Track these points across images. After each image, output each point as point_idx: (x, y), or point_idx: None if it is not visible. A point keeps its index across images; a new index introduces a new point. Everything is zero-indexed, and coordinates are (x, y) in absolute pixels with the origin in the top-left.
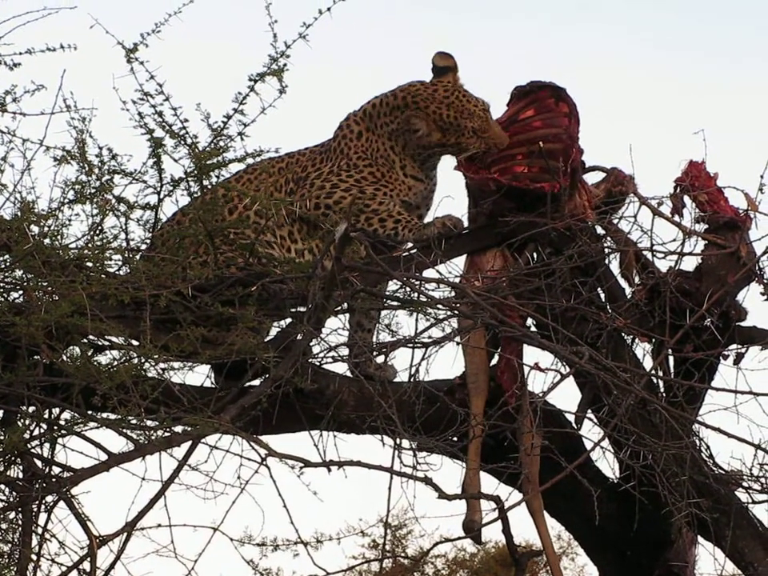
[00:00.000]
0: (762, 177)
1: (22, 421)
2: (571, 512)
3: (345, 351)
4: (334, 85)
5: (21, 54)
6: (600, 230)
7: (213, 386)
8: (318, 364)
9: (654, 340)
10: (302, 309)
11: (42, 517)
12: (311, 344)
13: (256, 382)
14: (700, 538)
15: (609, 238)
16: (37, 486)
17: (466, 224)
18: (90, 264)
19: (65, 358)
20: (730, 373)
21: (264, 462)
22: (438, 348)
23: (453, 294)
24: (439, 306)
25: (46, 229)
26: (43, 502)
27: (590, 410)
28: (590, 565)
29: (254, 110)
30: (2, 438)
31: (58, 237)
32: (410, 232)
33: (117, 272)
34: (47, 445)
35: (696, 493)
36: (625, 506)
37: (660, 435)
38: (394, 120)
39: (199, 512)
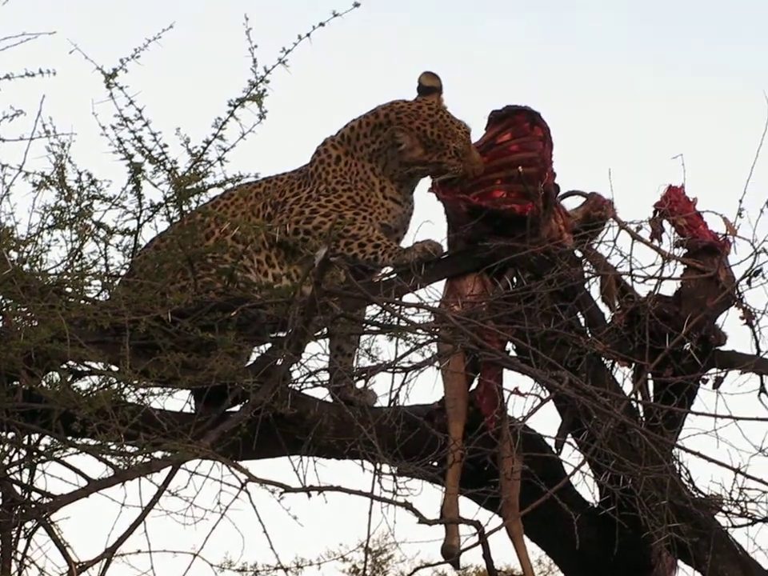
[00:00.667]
0: (740, 201)
1: (1, 447)
2: (551, 536)
3: (325, 376)
4: (314, 110)
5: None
6: (579, 255)
7: (192, 412)
8: (297, 389)
9: (633, 364)
10: (282, 334)
11: (22, 543)
12: (291, 369)
13: (236, 408)
14: (680, 562)
15: (588, 263)
16: (16, 512)
17: (445, 249)
18: (69, 289)
19: (44, 383)
20: (709, 397)
21: (244, 488)
22: (418, 373)
23: (432, 318)
24: (419, 331)
25: (25, 254)
26: (22, 527)
27: (569, 435)
28: None
29: (233, 135)
30: None
31: (38, 262)
32: (389, 257)
33: (96, 297)
34: (26, 471)
35: (676, 517)
36: (605, 530)
37: (640, 459)
38: (376, 139)
39: (179, 538)
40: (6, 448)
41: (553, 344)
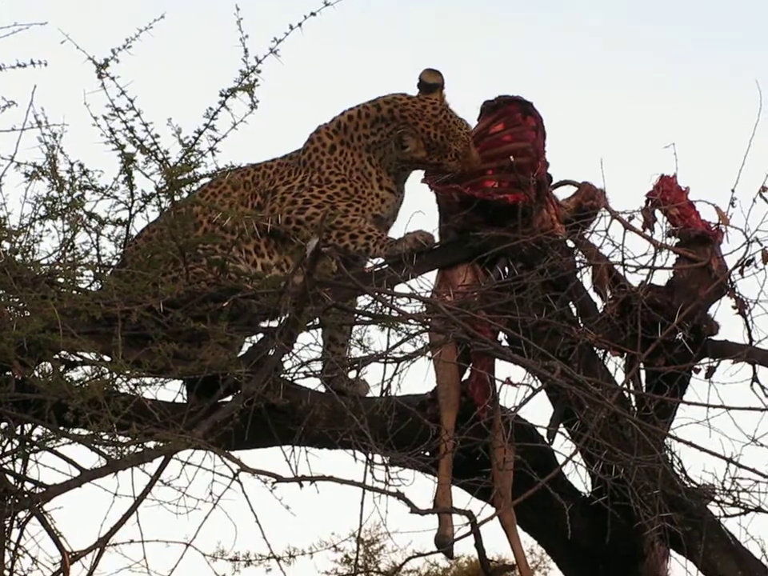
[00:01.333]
0: (733, 191)
1: None
2: (543, 526)
3: (317, 366)
4: (305, 99)
5: None
6: (571, 244)
7: (185, 402)
8: (290, 379)
9: (625, 354)
10: (274, 324)
11: (15, 533)
12: (283, 359)
13: (228, 398)
14: (672, 552)
15: (580, 252)
16: (9, 501)
17: (437, 239)
18: (61, 280)
19: (37, 373)
20: (701, 387)
21: (236, 478)
22: (410, 363)
23: (424, 308)
24: (411, 321)
25: (17, 245)
26: (15, 517)
27: (562, 425)
28: None
29: (225, 125)
30: None
31: (29, 253)
32: (381, 248)
33: (88, 288)
34: (19, 461)
35: (668, 507)
36: (597, 520)
37: (632, 449)
38: (377, 132)
39: (172, 527)
40: None
41: (545, 334)
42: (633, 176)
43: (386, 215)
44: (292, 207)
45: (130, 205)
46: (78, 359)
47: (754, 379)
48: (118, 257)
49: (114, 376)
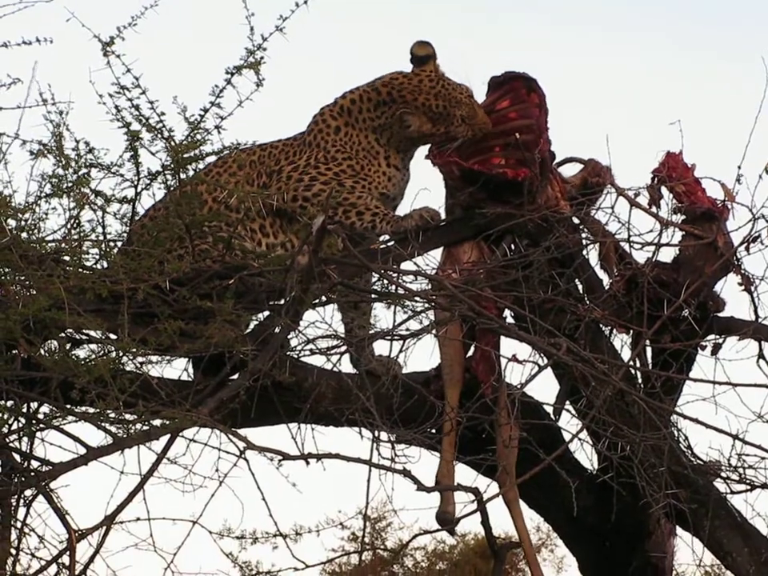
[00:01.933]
0: (739, 167)
1: (0, 415)
2: (550, 503)
3: (323, 344)
4: (311, 77)
5: None
6: (577, 221)
7: (191, 380)
8: (296, 357)
9: (631, 331)
10: (280, 302)
11: (21, 511)
12: (289, 337)
13: (234, 376)
14: (678, 529)
15: (586, 229)
16: (15, 480)
17: (443, 216)
18: (67, 258)
19: (43, 351)
20: (707, 363)
21: (242, 455)
22: (416, 340)
23: (430, 286)
24: (417, 299)
25: (23, 223)
26: (22, 496)
27: (567, 402)
28: (569, 556)
29: (230, 103)
30: None
31: (35, 231)
32: (387, 224)
33: (94, 266)
34: (26, 439)
35: (674, 483)
36: (603, 497)
37: (638, 426)
38: (381, 115)
39: (178, 505)
40: (5, 416)
41: (551, 311)
42: (639, 153)
43: (393, 194)
44: (298, 185)
45: (135, 183)
46: (84, 337)
47: (760, 356)
48: (124, 235)
49: (120, 354)
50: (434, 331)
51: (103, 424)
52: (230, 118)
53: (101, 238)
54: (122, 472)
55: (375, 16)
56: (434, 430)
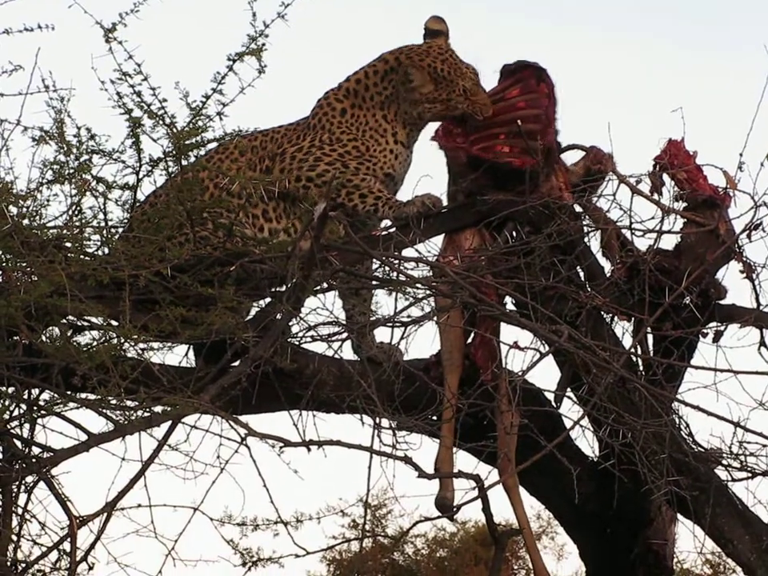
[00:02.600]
0: (741, 155)
1: (2, 401)
2: (551, 491)
3: (324, 331)
4: (313, 64)
5: None
6: (579, 209)
7: (192, 366)
8: (297, 343)
9: (633, 318)
10: (281, 288)
11: (22, 497)
12: (290, 324)
13: (235, 362)
14: (679, 516)
15: (588, 217)
16: (17, 466)
17: (444, 203)
18: (68, 244)
19: (44, 338)
20: (709, 351)
21: (244, 442)
22: (417, 327)
23: (431, 272)
24: (418, 285)
25: (24, 209)
26: (23, 482)
27: (569, 389)
28: (569, 543)
29: (232, 90)
30: None
31: (37, 217)
32: (390, 209)
33: (96, 252)
34: (27, 425)
35: (675, 471)
36: (604, 484)
37: (639, 413)
38: (389, 85)
39: (179, 492)
40: (7, 402)
41: (552, 298)
42: (640, 140)
43: (398, 174)
44: (302, 165)
45: (137, 169)
46: (86, 324)
47: (762, 343)
48: (126, 221)
49: (122, 340)
50: (435, 318)
51: (104, 410)
52: (231, 105)
53: (102, 224)
54: (123, 459)
55: (378, 2)
56: (435, 417)
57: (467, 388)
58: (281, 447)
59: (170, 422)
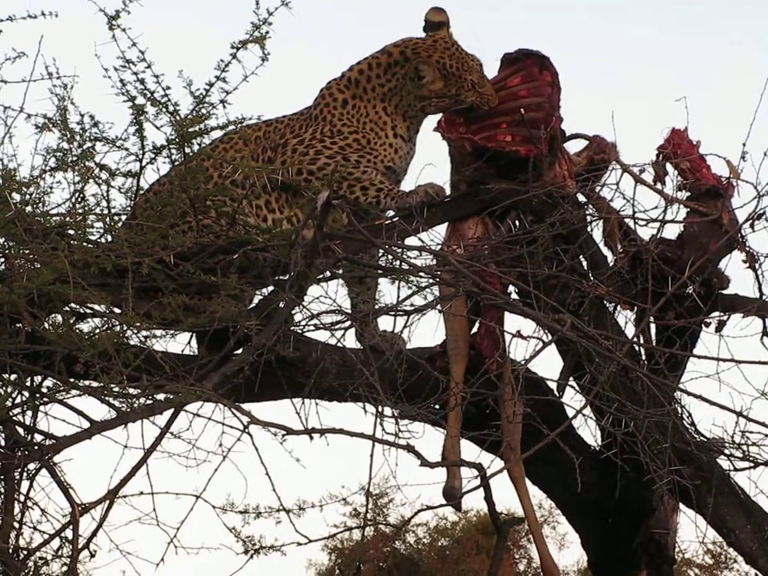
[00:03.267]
0: (744, 144)
1: (4, 388)
2: (553, 480)
3: (327, 319)
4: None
5: (1, 21)
6: (582, 198)
7: (195, 354)
8: (300, 332)
9: (635, 308)
10: (284, 277)
11: (24, 484)
12: (293, 312)
13: (238, 350)
14: (682, 506)
15: (591, 206)
16: (19, 453)
17: (447, 192)
18: (71, 232)
19: (47, 325)
20: (712, 340)
21: (246, 430)
22: (420, 316)
23: (435, 261)
24: (421, 274)
25: (27, 196)
26: (25, 469)
27: (571, 378)
28: (571, 533)
29: (236, 78)
30: None
31: (40, 204)
32: (392, 200)
33: (99, 240)
34: (29, 412)
35: (678, 460)
36: (607, 473)
37: (642, 403)
38: (392, 77)
39: (181, 480)
40: (9, 390)
41: (555, 287)
42: (644, 129)
43: (399, 167)
44: (303, 158)
45: (140, 157)
46: (89, 311)
47: (764, 333)
48: (129, 209)
49: (125, 328)
50: (438, 307)
51: (107, 398)
52: (235, 93)
53: (105, 212)
54: (125, 446)
55: None
56: (437, 406)
57: (471, 377)
58: (283, 435)
59: (172, 410)
